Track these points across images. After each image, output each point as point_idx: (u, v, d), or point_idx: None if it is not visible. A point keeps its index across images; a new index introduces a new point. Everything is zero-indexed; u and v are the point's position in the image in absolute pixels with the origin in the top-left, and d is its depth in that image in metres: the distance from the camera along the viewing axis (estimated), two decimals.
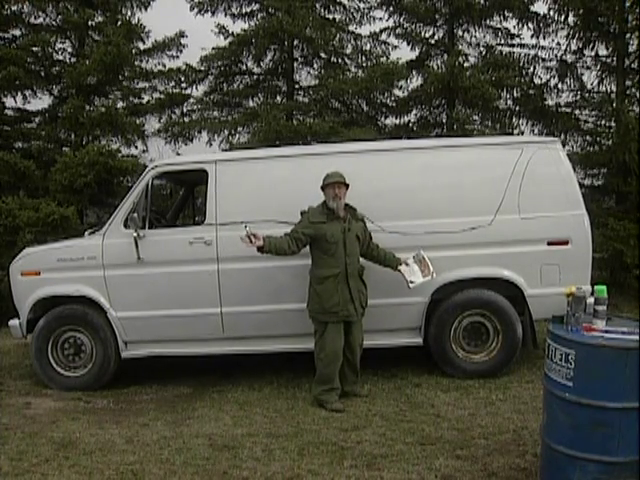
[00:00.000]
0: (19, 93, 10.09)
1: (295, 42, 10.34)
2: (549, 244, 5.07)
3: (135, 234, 5.05)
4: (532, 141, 5.42)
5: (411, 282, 4.75)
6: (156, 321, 5.17)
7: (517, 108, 10.43)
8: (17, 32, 9.94)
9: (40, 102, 10.47)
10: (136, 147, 9.93)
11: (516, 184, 5.09)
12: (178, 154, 10.12)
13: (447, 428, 4.07)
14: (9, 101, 10.22)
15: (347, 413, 4.44)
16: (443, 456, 3.64)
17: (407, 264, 4.80)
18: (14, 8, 9.50)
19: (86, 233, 5.61)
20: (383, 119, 10.83)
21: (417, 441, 3.87)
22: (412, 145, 5.39)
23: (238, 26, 10.54)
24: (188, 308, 5.12)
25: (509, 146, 5.24)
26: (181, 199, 6.79)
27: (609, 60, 9.76)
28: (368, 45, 10.77)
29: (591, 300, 3.24)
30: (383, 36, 10.76)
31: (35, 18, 9.92)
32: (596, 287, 3.26)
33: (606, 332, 3.09)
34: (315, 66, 10.95)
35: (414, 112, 10.70)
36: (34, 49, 9.67)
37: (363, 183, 4.97)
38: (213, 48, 9.94)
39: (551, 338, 3.14)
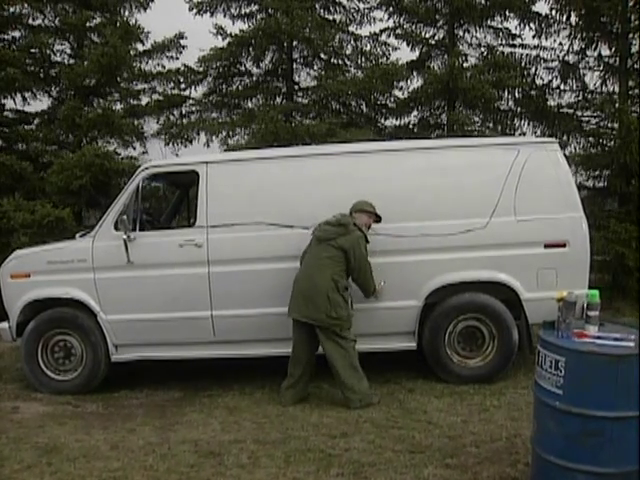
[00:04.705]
0: (18, 95, 10.08)
1: (294, 43, 10.27)
2: (546, 247, 4.97)
3: (125, 236, 4.99)
4: (529, 142, 5.34)
5: None
6: (146, 324, 5.10)
7: (519, 109, 10.30)
8: (16, 33, 9.92)
9: (40, 104, 10.49)
10: (134, 148, 9.90)
11: (512, 186, 5.00)
12: (177, 156, 10.06)
13: (438, 435, 3.98)
14: (9, 103, 10.24)
15: (337, 419, 4.35)
16: (432, 465, 3.55)
17: None
18: (12, 10, 9.48)
19: (77, 235, 5.56)
20: (383, 120, 10.74)
21: (406, 449, 3.78)
22: (406, 146, 5.29)
23: (237, 27, 10.49)
24: (179, 311, 5.05)
25: (505, 147, 5.16)
26: (176, 201, 6.73)
27: (612, 61, 9.64)
28: (368, 46, 10.67)
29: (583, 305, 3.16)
30: (383, 37, 10.64)
31: (33, 19, 9.91)
32: (588, 292, 3.17)
33: (598, 338, 3.00)
34: (315, 67, 10.87)
35: (414, 113, 10.60)
36: (32, 50, 9.65)
37: (356, 185, 4.93)
38: (211, 49, 9.88)
39: (541, 344, 3.06)
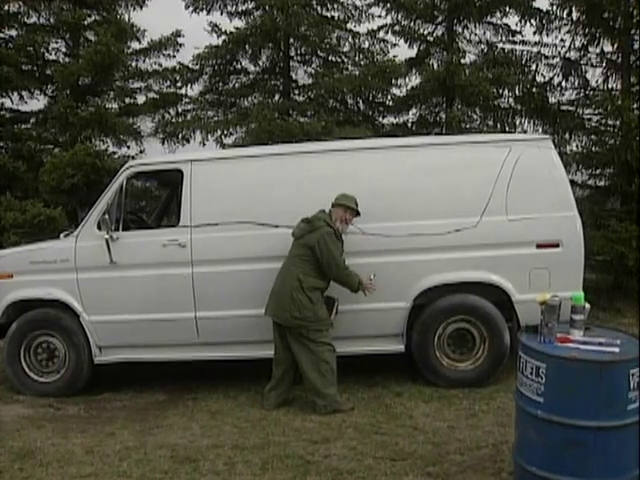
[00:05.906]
0: (15, 93, 10.05)
1: (291, 40, 10.16)
2: (538, 247, 4.82)
3: (107, 236, 4.90)
4: (521, 139, 5.17)
5: None
6: (130, 326, 5.01)
7: (519, 107, 10.12)
8: (11, 32, 9.88)
9: (37, 103, 10.45)
10: (128, 147, 9.84)
11: (504, 184, 4.86)
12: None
13: (422, 442, 3.85)
14: (6, 102, 10.22)
15: (320, 424, 4.23)
16: (413, 472, 3.42)
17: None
18: (6, 7, 9.43)
19: (62, 235, 5.48)
20: (381, 118, 10.61)
21: (388, 456, 3.66)
22: (392, 144, 5.15)
23: (235, 24, 10.37)
24: (162, 312, 4.95)
25: (496, 144, 5.02)
26: (164, 200, 6.63)
27: (614, 57, 9.44)
28: (366, 43, 10.54)
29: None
30: (381, 34, 10.52)
31: (28, 17, 9.87)
32: (573, 294, 3.04)
33: (582, 343, 2.87)
34: (312, 65, 10.75)
35: (413, 111, 10.46)
36: (27, 49, 9.59)
37: (343, 183, 4.78)
38: (206, 47, 9.79)
39: (522, 349, 2.93)
